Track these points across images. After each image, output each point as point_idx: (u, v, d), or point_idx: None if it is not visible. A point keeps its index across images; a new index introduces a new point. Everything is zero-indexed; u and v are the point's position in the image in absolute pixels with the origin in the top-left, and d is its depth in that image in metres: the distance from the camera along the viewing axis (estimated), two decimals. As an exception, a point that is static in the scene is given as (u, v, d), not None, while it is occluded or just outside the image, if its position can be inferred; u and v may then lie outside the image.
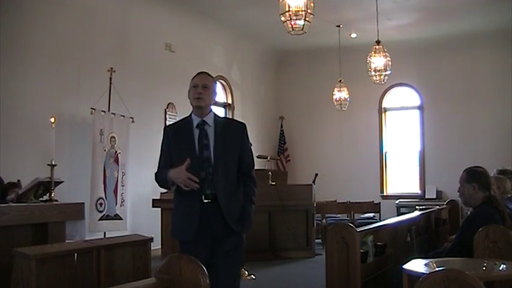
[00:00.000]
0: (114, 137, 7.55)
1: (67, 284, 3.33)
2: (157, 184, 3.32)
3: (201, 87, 3.23)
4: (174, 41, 9.52)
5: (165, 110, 9.36)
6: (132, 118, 7.86)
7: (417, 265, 3.09)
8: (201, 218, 3.12)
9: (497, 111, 10.96)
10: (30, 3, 6.98)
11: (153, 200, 7.11)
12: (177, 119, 9.56)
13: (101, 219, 7.19)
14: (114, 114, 7.58)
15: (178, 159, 3.15)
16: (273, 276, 6.74)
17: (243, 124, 3.37)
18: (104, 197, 7.26)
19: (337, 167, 12.01)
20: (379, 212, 10.14)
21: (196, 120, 3.26)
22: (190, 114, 3.32)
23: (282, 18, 6.05)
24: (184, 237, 3.18)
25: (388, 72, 8.68)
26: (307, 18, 5.94)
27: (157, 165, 3.32)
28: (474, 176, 4.00)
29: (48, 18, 7.25)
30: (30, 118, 6.79)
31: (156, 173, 3.29)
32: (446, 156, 11.20)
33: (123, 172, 7.65)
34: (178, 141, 3.26)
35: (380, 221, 8.20)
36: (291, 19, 5.96)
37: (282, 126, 12.77)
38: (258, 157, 9.10)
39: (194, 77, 3.31)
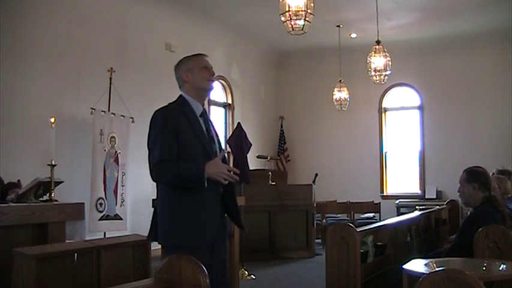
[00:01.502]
0: (114, 137, 7.55)
1: (67, 284, 3.33)
2: (162, 179, 2.77)
3: (211, 70, 2.95)
4: (174, 41, 9.51)
5: (165, 110, 9.35)
6: (132, 118, 7.85)
7: (417, 265, 3.09)
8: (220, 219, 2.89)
9: (498, 111, 10.96)
10: (29, 3, 6.98)
11: (153, 200, 7.07)
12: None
13: (101, 219, 7.19)
14: (114, 114, 7.58)
15: (189, 151, 2.77)
16: (273, 276, 6.74)
17: None
18: (104, 197, 7.26)
19: (337, 167, 12.02)
20: (379, 212, 10.15)
21: (198, 108, 2.92)
22: (183, 99, 2.91)
23: (282, 18, 6.05)
24: (202, 241, 2.78)
25: (388, 72, 8.68)
26: (307, 18, 5.94)
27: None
28: (474, 176, 4.00)
29: (48, 18, 7.25)
30: (30, 118, 6.79)
31: (165, 168, 2.72)
32: (446, 156, 11.20)
33: (123, 172, 7.65)
34: (185, 128, 2.81)
35: (380, 221, 8.20)
36: (291, 19, 5.96)
37: (282, 126, 12.77)
38: (258, 157, 9.12)
39: (196, 56, 2.96)
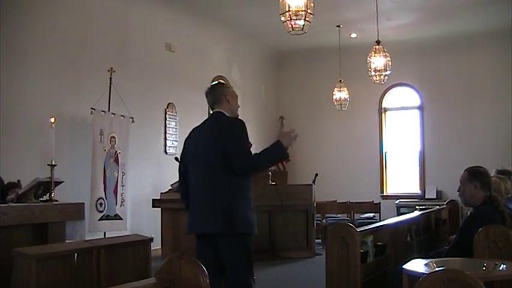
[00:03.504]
0: (114, 137, 7.55)
1: (67, 284, 3.33)
2: (258, 167, 3.63)
3: None
4: (174, 41, 9.52)
5: (165, 110, 9.36)
6: (132, 118, 7.85)
7: (417, 265, 3.09)
8: None
9: (497, 111, 10.96)
10: (30, 3, 6.98)
11: (153, 200, 7.11)
12: (177, 119, 9.63)
13: (101, 219, 7.19)
14: (114, 114, 7.58)
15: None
16: (273, 276, 6.73)
17: None
18: (104, 197, 7.26)
19: (337, 167, 12.01)
20: (379, 212, 10.14)
21: None
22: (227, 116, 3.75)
23: (282, 18, 6.04)
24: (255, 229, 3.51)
25: (388, 72, 8.68)
26: (307, 18, 5.93)
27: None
28: (476, 175, 4.00)
29: (49, 18, 7.25)
30: (30, 118, 6.79)
31: (255, 159, 3.58)
32: (446, 156, 11.20)
33: (123, 172, 7.65)
34: None
35: (380, 221, 8.20)
36: (291, 19, 5.95)
37: (282, 126, 12.76)
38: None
39: (233, 89, 3.84)
